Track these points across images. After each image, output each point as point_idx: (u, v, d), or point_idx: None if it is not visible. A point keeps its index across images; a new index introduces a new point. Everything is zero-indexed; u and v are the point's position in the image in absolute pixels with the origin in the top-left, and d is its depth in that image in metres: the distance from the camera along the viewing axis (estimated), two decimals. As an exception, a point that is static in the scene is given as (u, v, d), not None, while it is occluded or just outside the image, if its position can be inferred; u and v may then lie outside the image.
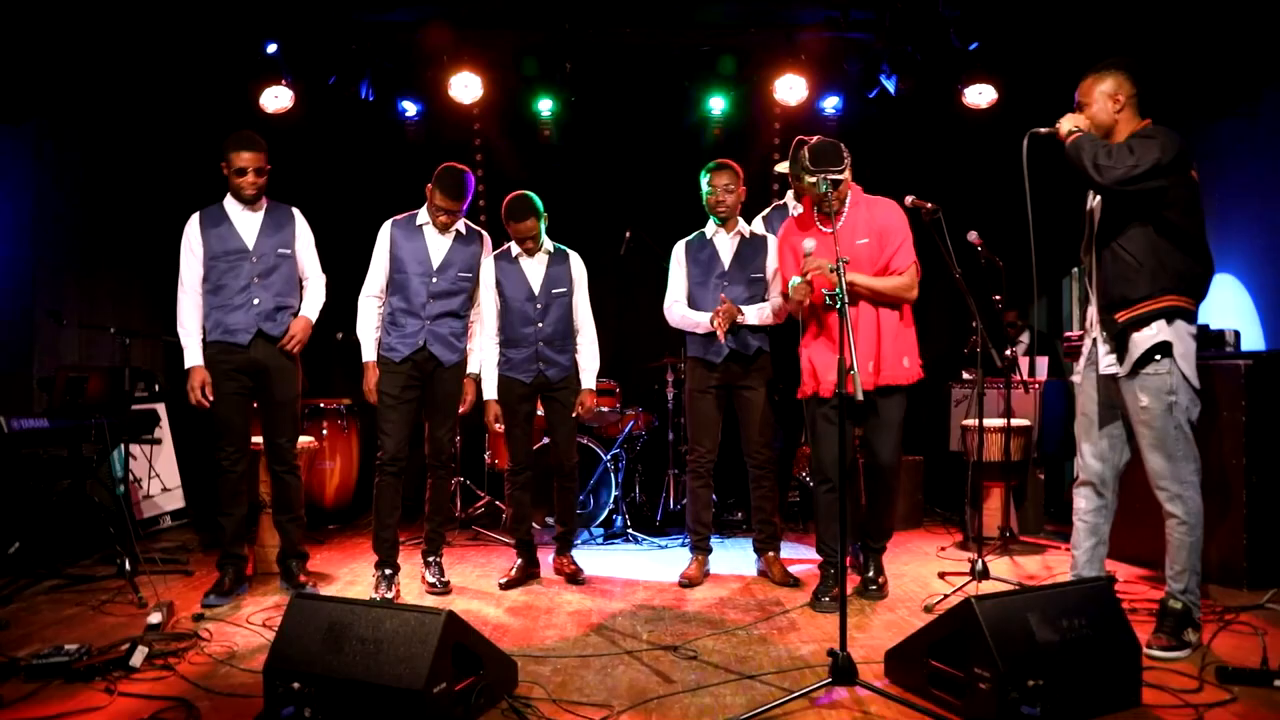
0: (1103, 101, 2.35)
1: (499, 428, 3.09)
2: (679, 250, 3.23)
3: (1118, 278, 2.31)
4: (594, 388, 3.14)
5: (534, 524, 3.66)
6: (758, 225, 3.19)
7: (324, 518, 4.27)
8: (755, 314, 3.07)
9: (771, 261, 3.14)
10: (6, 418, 2.92)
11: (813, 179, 2.59)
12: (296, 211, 3.04)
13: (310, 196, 3.81)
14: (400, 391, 2.93)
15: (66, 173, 3.99)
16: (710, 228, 3.19)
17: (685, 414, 3.25)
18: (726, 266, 3.12)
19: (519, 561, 3.10)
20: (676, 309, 3.19)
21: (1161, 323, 2.27)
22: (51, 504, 3.28)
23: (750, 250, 3.15)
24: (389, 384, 2.94)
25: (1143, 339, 2.28)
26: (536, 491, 3.44)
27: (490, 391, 3.07)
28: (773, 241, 3.17)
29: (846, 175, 2.71)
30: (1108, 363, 2.38)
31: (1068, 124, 2.33)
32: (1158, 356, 2.27)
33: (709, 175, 3.11)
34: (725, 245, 3.15)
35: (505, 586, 3.01)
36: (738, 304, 3.05)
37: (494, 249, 3.16)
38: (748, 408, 3.11)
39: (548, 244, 3.11)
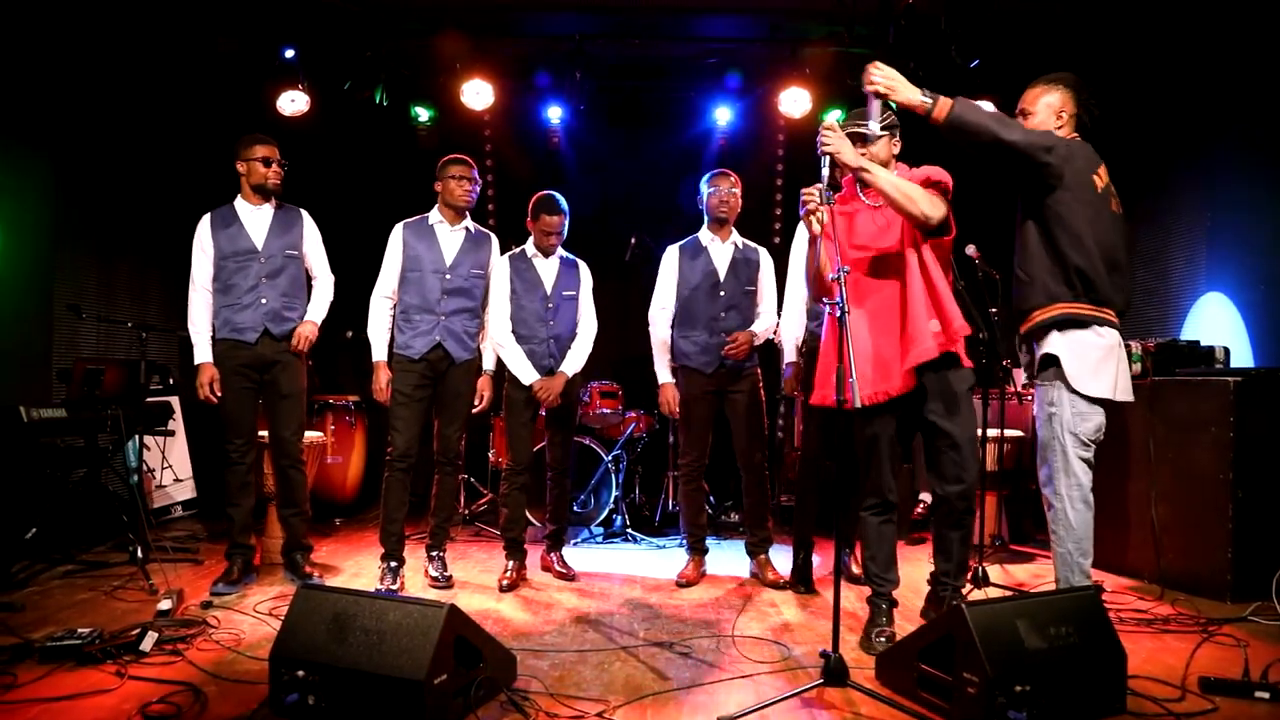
0: (1046, 114, 2.36)
1: (554, 400, 3.07)
2: (671, 254, 3.23)
3: (1017, 293, 2.40)
4: (569, 375, 3.14)
5: (531, 522, 3.73)
6: (802, 229, 3.13)
7: (331, 511, 4.34)
8: (762, 330, 3.13)
9: (765, 274, 3.19)
10: (26, 407, 3.00)
11: (860, 130, 2.33)
12: (305, 213, 3.10)
13: (324, 199, 3.89)
14: (413, 390, 2.99)
15: (88, 171, 4.06)
16: (705, 235, 3.21)
17: (679, 420, 3.27)
18: (722, 277, 3.15)
19: (511, 564, 3.14)
20: (660, 329, 3.19)
21: (1054, 334, 2.32)
22: (67, 492, 3.35)
23: (744, 261, 3.19)
24: (403, 382, 2.99)
25: (1038, 350, 2.36)
26: (532, 492, 3.51)
27: (529, 375, 3.08)
28: (765, 255, 3.23)
29: (885, 138, 2.39)
30: (1023, 379, 2.48)
31: (928, 97, 2.26)
32: (1048, 368, 2.33)
33: (713, 178, 3.17)
34: (721, 254, 3.18)
35: (506, 589, 3.06)
36: (732, 317, 3.11)
37: (503, 251, 3.23)
38: (739, 413, 3.15)
39: (560, 250, 3.19)
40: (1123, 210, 2.40)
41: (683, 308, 3.19)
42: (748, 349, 3.07)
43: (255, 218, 3.00)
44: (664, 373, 3.19)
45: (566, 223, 3.14)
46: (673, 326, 3.22)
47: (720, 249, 3.19)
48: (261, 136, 3.01)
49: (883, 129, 2.38)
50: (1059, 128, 2.35)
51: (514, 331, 3.14)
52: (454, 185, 3.02)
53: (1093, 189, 2.32)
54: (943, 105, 2.22)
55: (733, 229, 3.21)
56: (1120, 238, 2.35)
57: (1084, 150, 2.34)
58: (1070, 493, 2.32)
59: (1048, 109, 2.37)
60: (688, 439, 3.21)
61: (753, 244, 3.26)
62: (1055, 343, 2.32)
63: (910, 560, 3.64)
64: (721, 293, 3.14)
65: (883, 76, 2.23)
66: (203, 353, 2.94)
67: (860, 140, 2.35)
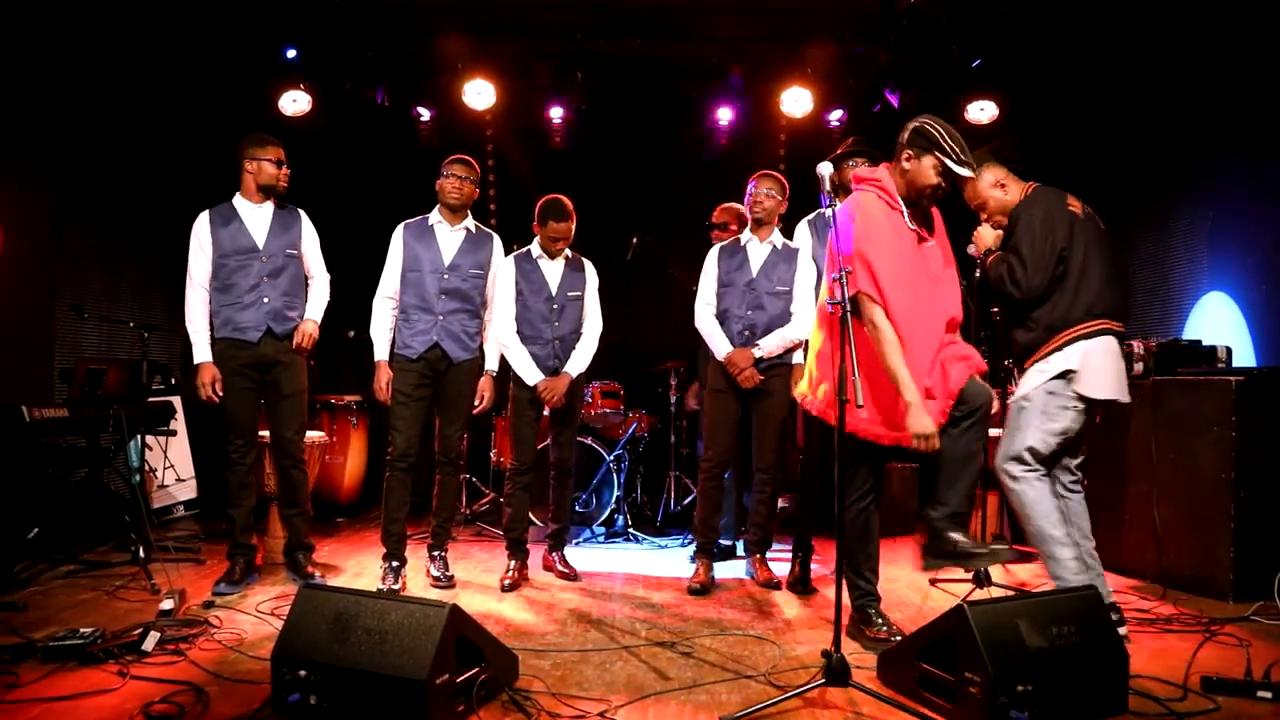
0: (993, 192, 2.54)
1: (558, 401, 3.08)
2: (713, 252, 3.24)
3: (1022, 333, 2.49)
4: (573, 376, 3.14)
5: (533, 522, 3.73)
6: (802, 230, 3.16)
7: (333, 511, 4.35)
8: (773, 344, 3.07)
9: (801, 275, 3.12)
10: (28, 407, 3.01)
11: (967, 172, 2.26)
12: (302, 212, 3.11)
13: (325, 198, 3.90)
14: (413, 389, 2.99)
15: (90, 172, 4.07)
16: (745, 234, 3.20)
17: (703, 413, 3.24)
18: (754, 274, 3.13)
19: (513, 563, 3.14)
20: (706, 322, 3.16)
21: (1060, 353, 2.42)
22: (69, 492, 3.36)
23: (780, 261, 3.14)
24: (402, 382, 2.99)
25: (1034, 373, 2.47)
26: (534, 492, 3.51)
27: (533, 376, 3.09)
28: (804, 255, 3.16)
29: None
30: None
31: (988, 237, 2.55)
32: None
33: (754, 178, 3.18)
34: (757, 253, 3.16)
35: (507, 590, 3.06)
36: (760, 316, 3.09)
37: (505, 251, 3.22)
38: (764, 415, 3.11)
39: (566, 250, 3.19)
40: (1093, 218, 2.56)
41: (719, 302, 3.18)
42: (745, 368, 3.02)
43: (256, 216, 2.99)
44: (723, 346, 3.10)
45: (574, 227, 3.14)
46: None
47: (757, 248, 3.17)
48: (270, 136, 3.01)
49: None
50: (1006, 194, 2.54)
51: (519, 332, 3.14)
52: (444, 182, 3.03)
53: (1076, 221, 2.47)
54: (992, 259, 2.55)
55: (774, 229, 3.18)
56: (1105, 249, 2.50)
57: (1046, 200, 2.48)
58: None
59: (990, 187, 2.55)
60: (708, 435, 3.17)
61: (794, 245, 3.21)
62: (1070, 358, 2.41)
63: (911, 559, 3.64)
64: (752, 290, 3.12)
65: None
66: (202, 352, 2.93)
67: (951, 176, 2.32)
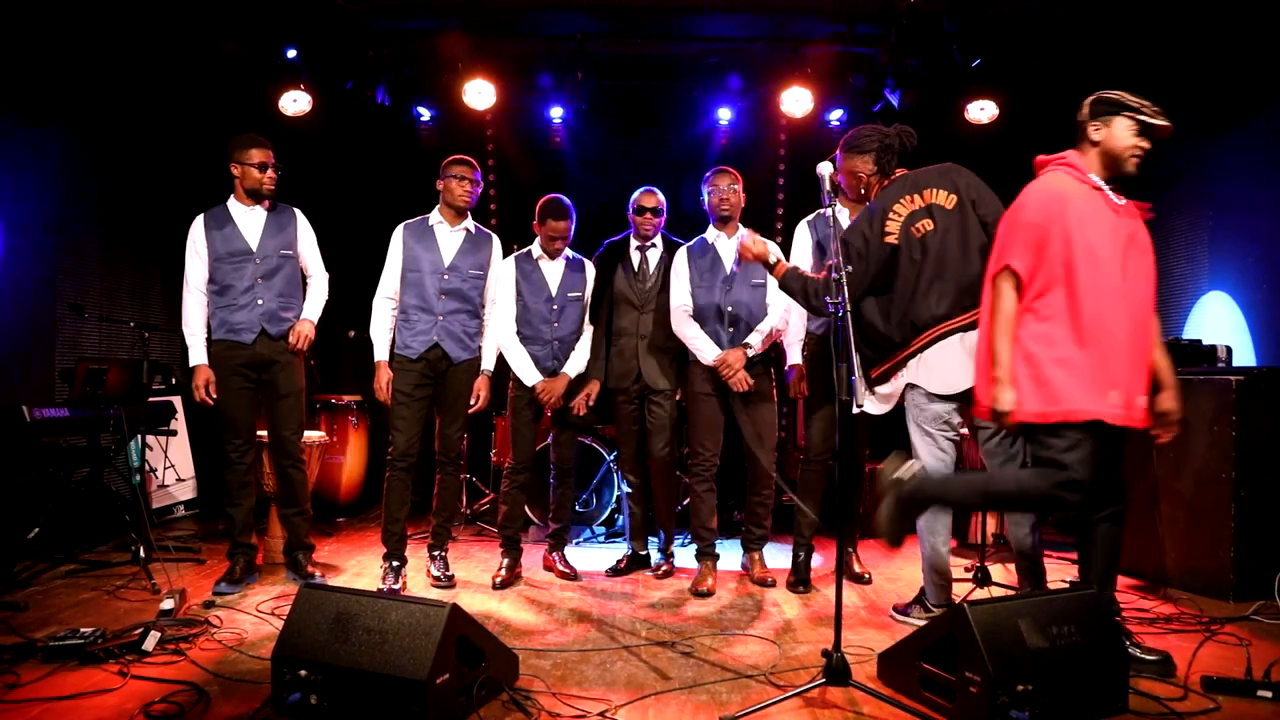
0: (853, 182, 2.64)
1: (556, 402, 3.09)
2: (681, 255, 3.23)
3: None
4: (571, 377, 3.14)
5: (533, 521, 3.74)
6: (802, 230, 3.16)
7: (334, 510, 4.35)
8: (760, 340, 3.08)
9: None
10: (29, 407, 3.01)
11: (1163, 121, 2.06)
12: (298, 212, 3.11)
13: (325, 198, 3.90)
14: (413, 389, 3.00)
15: (90, 171, 4.07)
16: (711, 232, 3.21)
17: (687, 417, 3.26)
18: (728, 271, 3.15)
19: (505, 561, 3.15)
20: (686, 325, 3.13)
21: (890, 382, 2.55)
22: (70, 491, 3.35)
23: None
24: (402, 381, 3.00)
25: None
26: (535, 491, 3.50)
27: (531, 376, 3.10)
28: (774, 248, 3.19)
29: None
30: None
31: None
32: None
33: (711, 178, 3.18)
34: (728, 250, 3.17)
35: (499, 587, 3.06)
36: (741, 311, 3.10)
37: (505, 251, 3.23)
38: (757, 414, 3.10)
39: (567, 251, 3.20)
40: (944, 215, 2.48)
41: (696, 304, 3.16)
42: (739, 369, 3.01)
43: (249, 218, 3.00)
44: (710, 349, 3.07)
45: (573, 227, 3.15)
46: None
47: (727, 245, 3.18)
48: (256, 139, 2.99)
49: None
50: (865, 190, 2.58)
51: (519, 332, 3.14)
52: (455, 185, 3.03)
53: (887, 242, 2.49)
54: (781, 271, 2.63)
55: (739, 225, 3.19)
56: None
57: (870, 208, 2.53)
58: None
59: (851, 176, 2.62)
60: (698, 434, 3.16)
61: (760, 238, 3.24)
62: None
63: (913, 560, 3.64)
64: (730, 288, 3.12)
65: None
66: (197, 355, 2.95)
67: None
